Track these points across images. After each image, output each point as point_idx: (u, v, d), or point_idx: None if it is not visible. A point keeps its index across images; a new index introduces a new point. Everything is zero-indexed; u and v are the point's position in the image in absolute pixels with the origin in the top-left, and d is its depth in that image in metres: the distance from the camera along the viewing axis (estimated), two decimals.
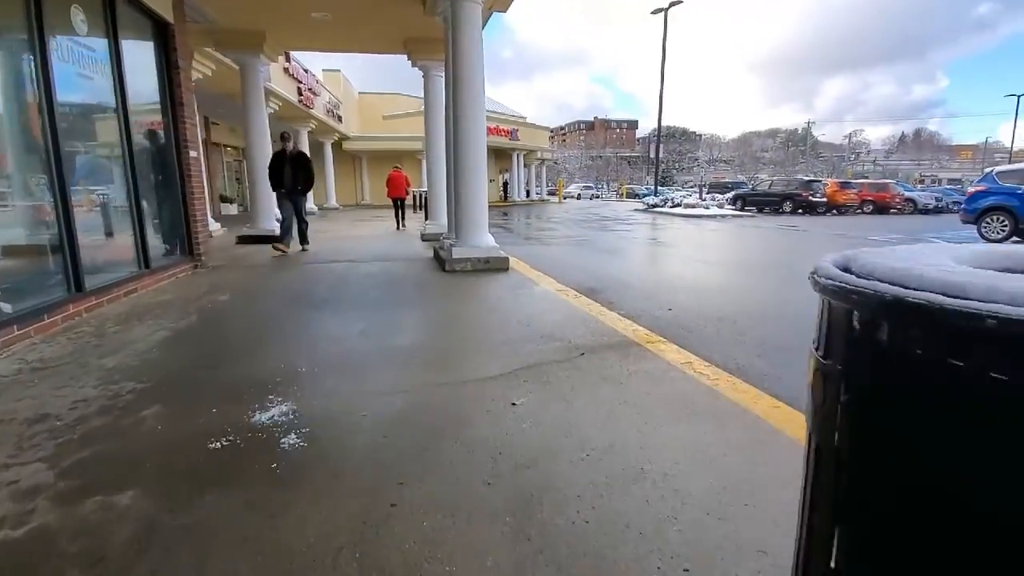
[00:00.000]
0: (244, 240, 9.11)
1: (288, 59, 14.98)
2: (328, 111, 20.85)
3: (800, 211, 22.05)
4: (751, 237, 12.48)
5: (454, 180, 6.36)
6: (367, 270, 6.31)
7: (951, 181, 58.76)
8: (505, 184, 36.19)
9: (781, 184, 24.16)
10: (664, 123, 27.31)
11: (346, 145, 26.72)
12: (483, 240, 6.26)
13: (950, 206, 26.84)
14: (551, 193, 40.31)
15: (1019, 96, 42.91)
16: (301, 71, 16.26)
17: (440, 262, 6.41)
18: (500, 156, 35.72)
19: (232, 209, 18.98)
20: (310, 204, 20.23)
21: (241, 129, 17.72)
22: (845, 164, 70.62)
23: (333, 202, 23.73)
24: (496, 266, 6.13)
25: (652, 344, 3.37)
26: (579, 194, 44.40)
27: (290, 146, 7.65)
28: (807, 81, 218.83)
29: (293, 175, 7.71)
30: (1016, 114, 44.06)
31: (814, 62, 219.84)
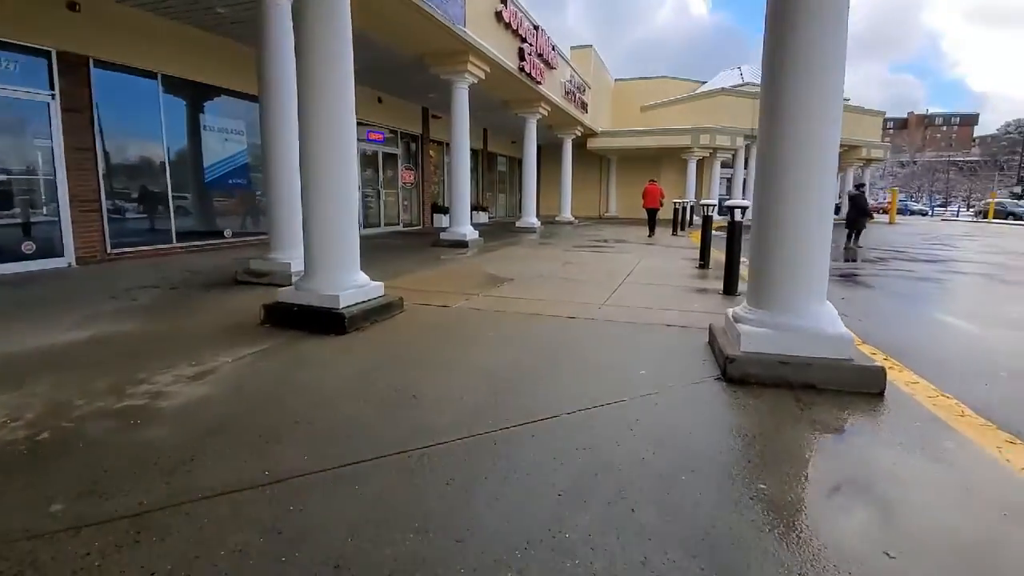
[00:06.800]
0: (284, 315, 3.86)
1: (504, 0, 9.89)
2: (569, 94, 15.56)
3: None
4: None
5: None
6: None
7: None
8: None
9: None
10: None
11: (592, 143, 21.33)
12: None
13: None
14: (880, 210, 27.97)
15: None
16: (526, 24, 11.00)
17: None
18: None
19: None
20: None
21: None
22: None
23: (567, 214, 18.45)
24: None
25: None
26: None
27: None
28: None
29: None
30: None
31: None
